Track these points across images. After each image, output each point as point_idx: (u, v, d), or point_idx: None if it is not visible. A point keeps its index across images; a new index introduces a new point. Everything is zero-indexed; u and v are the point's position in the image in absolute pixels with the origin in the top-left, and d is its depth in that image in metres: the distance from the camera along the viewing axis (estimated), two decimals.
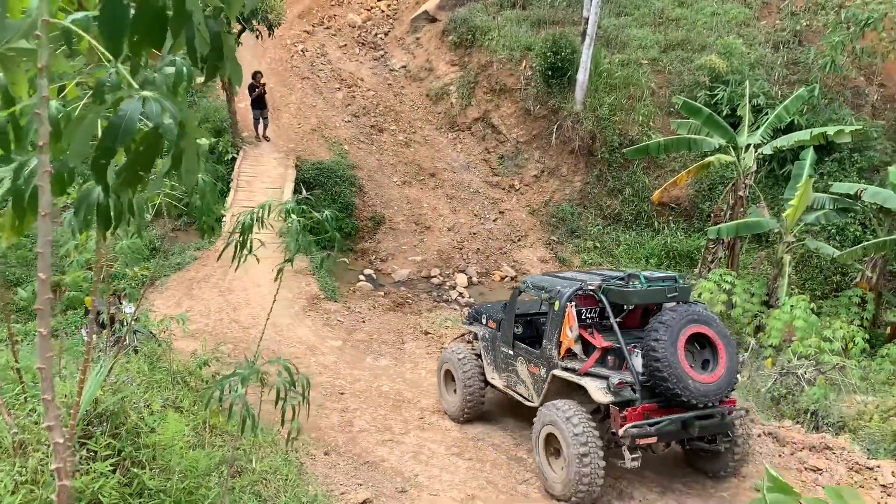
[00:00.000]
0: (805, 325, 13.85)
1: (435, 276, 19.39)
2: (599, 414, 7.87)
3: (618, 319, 8.13)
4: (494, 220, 21.48)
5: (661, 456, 8.67)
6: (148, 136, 1.87)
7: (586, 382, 7.65)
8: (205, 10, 1.97)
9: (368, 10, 28.14)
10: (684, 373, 7.29)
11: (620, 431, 7.31)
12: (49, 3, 1.80)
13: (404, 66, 25.79)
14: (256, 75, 20.23)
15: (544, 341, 8.43)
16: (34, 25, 1.80)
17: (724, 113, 20.20)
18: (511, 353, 9.12)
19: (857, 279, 17.04)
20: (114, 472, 4.65)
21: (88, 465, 4.67)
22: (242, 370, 3.90)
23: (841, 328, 14.29)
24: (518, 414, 9.59)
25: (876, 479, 8.39)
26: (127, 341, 8.28)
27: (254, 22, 18.66)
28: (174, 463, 5.09)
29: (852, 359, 13.84)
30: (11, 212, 2.69)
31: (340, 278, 18.09)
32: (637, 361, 7.66)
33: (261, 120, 20.77)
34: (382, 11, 28.16)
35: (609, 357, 7.94)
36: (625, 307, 8.65)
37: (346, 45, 26.59)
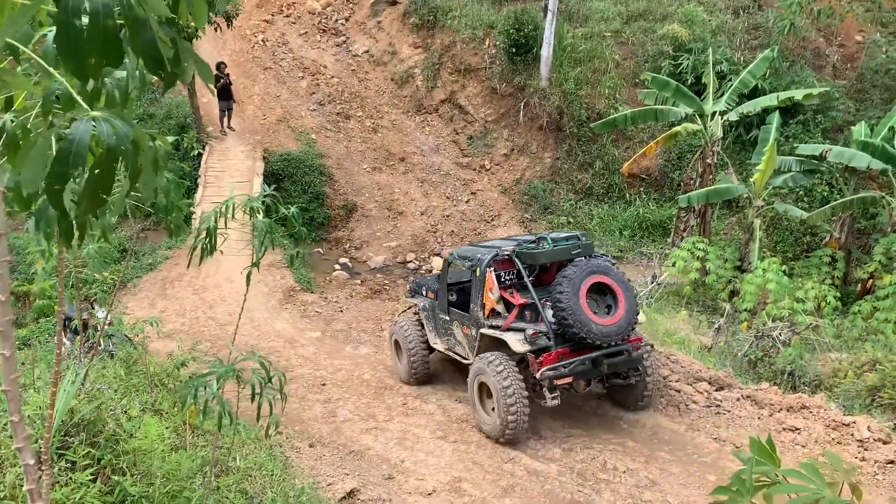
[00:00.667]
0: (778, 288, 14.04)
1: (411, 261, 19.37)
2: (524, 363, 8.84)
3: (531, 278, 9.24)
4: (467, 202, 21.46)
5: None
6: (102, 159, 1.83)
7: (507, 336, 8.78)
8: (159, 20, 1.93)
9: None
10: (587, 318, 8.45)
11: (538, 375, 8.49)
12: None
13: (367, 51, 25.55)
14: (220, 66, 19.94)
15: (471, 305, 9.51)
16: None
17: (689, 82, 20.31)
18: (447, 318, 10.10)
19: (827, 239, 17.29)
20: (94, 481, 4.60)
21: (68, 475, 4.61)
22: (217, 368, 3.86)
23: (813, 288, 14.51)
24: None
25: (853, 435, 8.56)
26: (101, 346, 8.18)
27: (211, 14, 18.33)
28: (156, 467, 5.05)
29: (825, 318, 14.08)
30: None
31: (316, 269, 18.00)
32: (549, 313, 8.75)
33: (226, 111, 20.52)
34: None
35: (527, 312, 9.01)
36: (538, 267, 9.59)
37: (306, 32, 26.26)
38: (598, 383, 9.51)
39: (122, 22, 1.80)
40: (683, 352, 11.82)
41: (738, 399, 9.97)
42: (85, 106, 1.89)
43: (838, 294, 15.13)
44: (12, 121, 2.38)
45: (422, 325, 10.82)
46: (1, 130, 2.42)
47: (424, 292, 11.00)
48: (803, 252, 18.38)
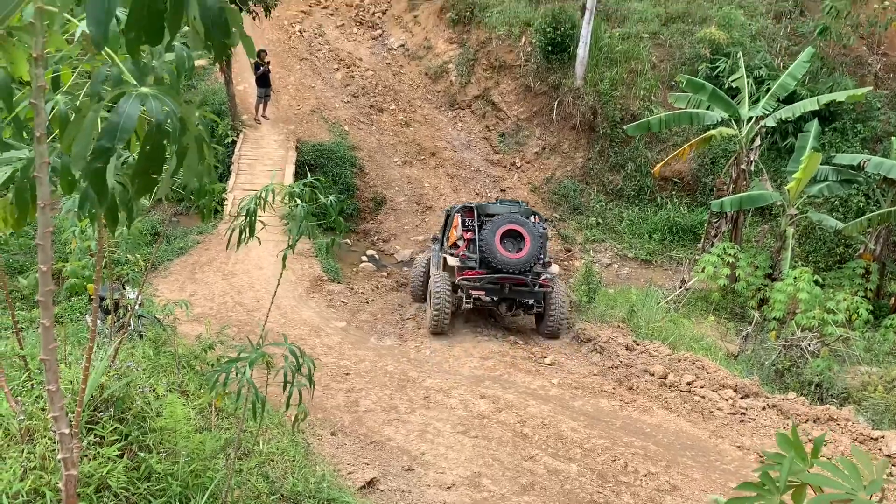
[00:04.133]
0: (808, 298, 13.84)
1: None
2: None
3: (481, 224, 12.87)
4: (496, 199, 21.41)
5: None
6: (151, 135, 1.84)
7: (448, 257, 12.83)
8: None
9: None
10: (497, 251, 12.14)
11: (457, 280, 12.44)
12: None
13: (403, 45, 25.60)
14: (261, 53, 20.13)
15: (442, 238, 14.02)
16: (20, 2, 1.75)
17: (726, 86, 20.05)
18: (439, 251, 13.88)
19: (861, 251, 17.00)
20: (121, 456, 4.67)
21: (96, 450, 4.69)
22: (248, 353, 3.90)
23: (844, 300, 14.27)
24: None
25: (881, 450, 8.42)
26: (131, 326, 8.30)
27: (250, 3, 18.49)
28: (181, 446, 5.12)
29: (856, 330, 13.84)
30: (13, 204, 2.68)
31: (343, 260, 18.09)
32: None
33: (263, 99, 20.73)
34: None
35: (471, 245, 12.74)
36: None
37: (343, 24, 26.38)
38: (509, 310, 12.81)
39: None
40: (710, 358, 11.72)
41: (763, 408, 9.86)
42: (134, 82, 1.91)
43: (870, 307, 14.85)
44: (65, 103, 2.42)
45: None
46: (53, 111, 2.46)
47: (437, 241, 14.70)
48: (836, 263, 18.08)
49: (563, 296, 12.89)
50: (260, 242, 4.21)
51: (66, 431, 2.14)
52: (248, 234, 4.10)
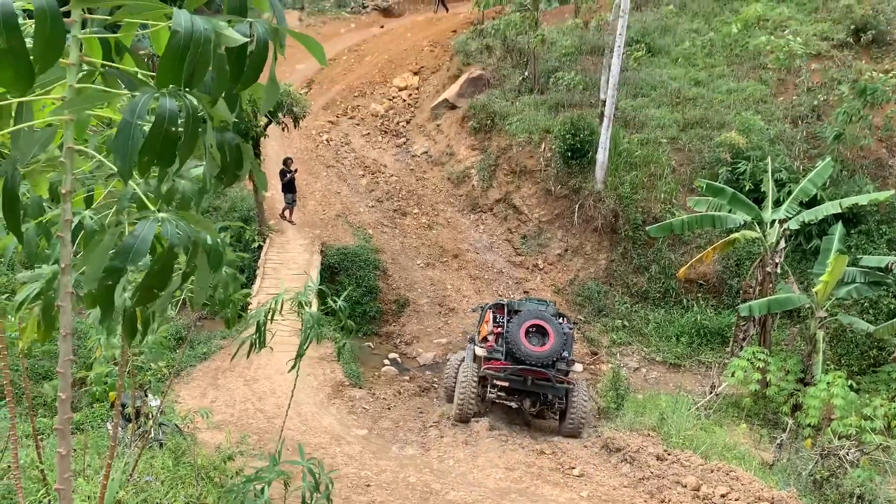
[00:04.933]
0: (844, 403, 13.43)
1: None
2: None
3: (509, 319, 13.64)
4: (525, 298, 21.37)
5: None
6: (162, 255, 1.89)
7: (477, 348, 13.79)
8: (223, 124, 2.02)
9: (391, 99, 28.98)
10: (522, 344, 12.88)
11: (482, 369, 13.17)
12: (75, 130, 1.84)
13: (426, 152, 26.32)
14: (287, 161, 20.78)
15: (475, 334, 15.06)
16: (49, 139, 1.83)
17: (747, 188, 20.19)
18: (473, 345, 14.36)
19: (895, 354, 16.58)
20: None
21: None
22: (266, 472, 3.82)
23: (882, 405, 13.83)
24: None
25: None
26: (152, 435, 8.21)
27: (280, 115, 19.24)
28: None
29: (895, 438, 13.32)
30: (38, 317, 2.72)
31: (365, 363, 17.97)
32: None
33: (291, 204, 21.24)
34: (404, 101, 28.98)
35: (500, 339, 13.47)
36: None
37: (369, 133, 27.27)
38: (532, 405, 13.45)
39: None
40: (744, 468, 11.27)
41: None
42: (151, 207, 1.96)
43: None
44: (91, 218, 2.49)
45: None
46: (80, 226, 2.54)
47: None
48: (870, 366, 17.60)
49: (584, 395, 13.30)
50: (272, 349, 4.21)
51: None
52: (259, 345, 4.11)
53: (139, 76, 2.05)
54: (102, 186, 2.88)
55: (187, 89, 1.79)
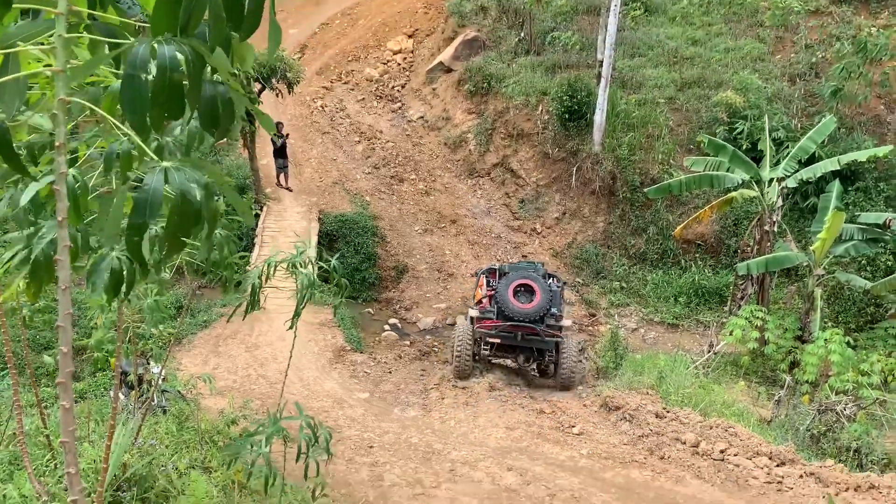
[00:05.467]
0: (841, 360, 13.53)
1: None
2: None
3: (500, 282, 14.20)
4: (519, 261, 21.40)
5: None
6: (177, 205, 1.88)
7: (469, 310, 14.76)
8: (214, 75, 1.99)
9: (385, 63, 28.66)
10: (510, 302, 13.57)
11: (475, 328, 13.96)
12: (65, 82, 1.81)
13: (422, 117, 26.12)
14: (279, 125, 20.62)
15: (471, 296, 16.12)
16: (47, 106, 1.81)
17: (745, 147, 20.10)
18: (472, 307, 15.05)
19: (893, 310, 16.66)
20: None
21: None
22: (266, 428, 3.85)
23: (879, 361, 13.93)
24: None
25: None
26: (155, 402, 8.27)
27: (273, 81, 19.05)
28: None
29: (893, 392, 13.44)
30: (27, 278, 2.71)
31: (366, 329, 18.05)
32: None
33: (283, 170, 21.16)
34: (399, 64, 28.67)
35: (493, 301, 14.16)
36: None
37: (364, 98, 27.04)
38: (526, 361, 14.24)
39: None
40: (742, 424, 11.39)
41: (800, 476, 9.51)
42: (154, 157, 1.95)
43: None
44: (75, 178, 2.47)
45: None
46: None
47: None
48: (867, 323, 17.70)
49: (574, 348, 14.18)
50: (264, 310, 4.24)
51: None
52: (252, 307, 4.12)
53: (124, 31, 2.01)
54: (84, 146, 2.86)
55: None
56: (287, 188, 21.45)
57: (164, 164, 1.92)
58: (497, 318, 13.78)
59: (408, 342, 17.77)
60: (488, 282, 14.74)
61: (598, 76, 21.86)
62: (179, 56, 1.76)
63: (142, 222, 1.88)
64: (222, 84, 2.02)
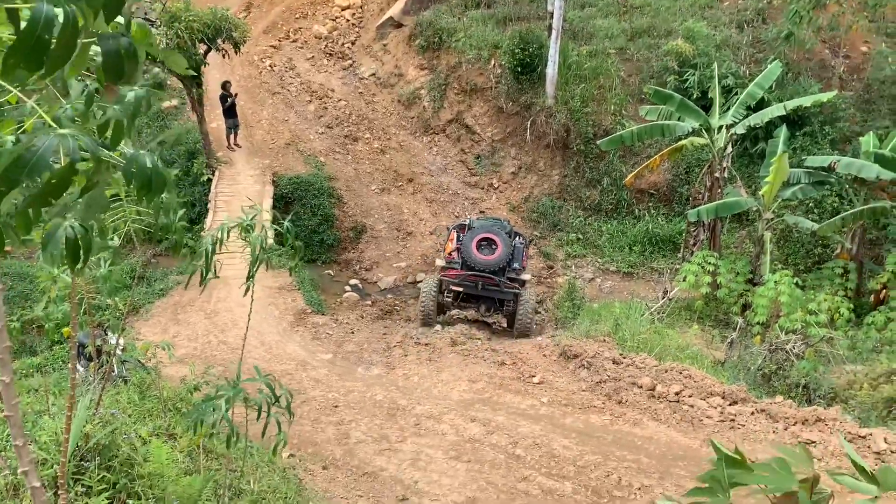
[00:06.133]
0: (790, 300, 13.98)
1: (421, 281, 19.38)
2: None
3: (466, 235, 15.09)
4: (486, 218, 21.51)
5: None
6: (63, 170, 1.87)
7: (437, 260, 15.92)
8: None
9: (333, 20, 28.09)
10: (473, 253, 14.58)
11: (440, 276, 15.14)
12: None
13: (374, 74, 25.78)
14: (226, 85, 20.20)
15: (443, 250, 16.41)
16: None
17: (695, 96, 20.35)
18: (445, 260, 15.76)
19: (838, 250, 17.21)
20: None
21: (84, 500, 4.63)
22: (226, 391, 3.89)
23: (825, 300, 14.44)
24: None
25: (869, 447, 8.48)
26: (115, 372, 8.22)
27: (219, 41, 18.58)
28: (170, 491, 5.07)
29: (839, 330, 13.98)
30: None
31: (326, 291, 18.06)
32: None
33: (233, 129, 20.81)
34: (348, 20, 28.12)
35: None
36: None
37: (313, 56, 26.54)
38: (487, 310, 15.19)
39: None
40: (696, 366, 11.77)
41: (752, 413, 9.91)
42: (52, 123, 1.93)
43: (851, 305, 15.04)
44: None
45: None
46: None
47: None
48: (815, 264, 18.29)
49: (532, 299, 15.18)
50: (218, 277, 4.23)
51: (37, 485, 2.12)
52: (206, 273, 4.11)
53: None
54: None
55: None
56: (236, 146, 21.12)
57: (62, 130, 1.90)
58: (462, 269, 14.78)
59: (369, 302, 17.85)
60: (458, 237, 15.54)
61: (549, 28, 21.78)
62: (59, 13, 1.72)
63: (15, 178, 1.86)
64: (124, 35, 1.99)
